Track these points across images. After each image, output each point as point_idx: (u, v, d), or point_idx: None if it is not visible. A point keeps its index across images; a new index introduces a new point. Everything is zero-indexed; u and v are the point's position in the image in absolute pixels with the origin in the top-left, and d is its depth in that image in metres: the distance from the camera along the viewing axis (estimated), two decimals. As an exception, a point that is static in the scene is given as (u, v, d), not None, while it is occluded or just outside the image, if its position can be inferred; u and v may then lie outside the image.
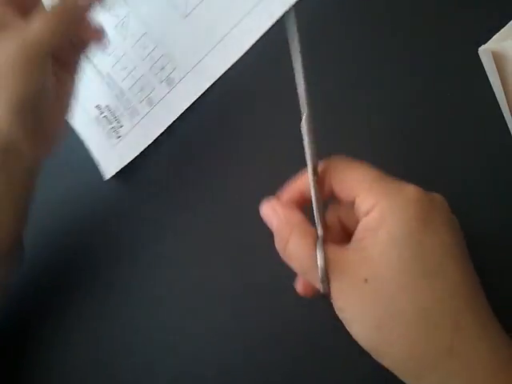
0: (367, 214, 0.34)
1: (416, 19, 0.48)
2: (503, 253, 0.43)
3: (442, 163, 0.46)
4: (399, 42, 0.49)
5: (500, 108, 0.43)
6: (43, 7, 0.45)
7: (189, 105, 0.54)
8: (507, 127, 0.43)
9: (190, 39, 0.55)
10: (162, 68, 0.56)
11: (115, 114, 0.57)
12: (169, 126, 0.54)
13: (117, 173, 0.56)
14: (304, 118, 0.37)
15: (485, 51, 0.41)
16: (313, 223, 0.36)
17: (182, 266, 0.52)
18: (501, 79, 0.41)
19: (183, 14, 0.56)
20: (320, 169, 0.37)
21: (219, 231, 0.51)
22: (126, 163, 0.56)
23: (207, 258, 0.51)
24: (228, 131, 0.53)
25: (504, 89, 0.41)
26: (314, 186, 0.36)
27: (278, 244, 0.37)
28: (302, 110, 0.37)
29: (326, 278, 0.34)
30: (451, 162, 0.46)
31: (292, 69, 0.41)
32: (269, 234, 0.38)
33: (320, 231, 0.36)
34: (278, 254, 0.37)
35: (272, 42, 0.52)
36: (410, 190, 0.34)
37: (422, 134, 0.47)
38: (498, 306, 0.34)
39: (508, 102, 0.41)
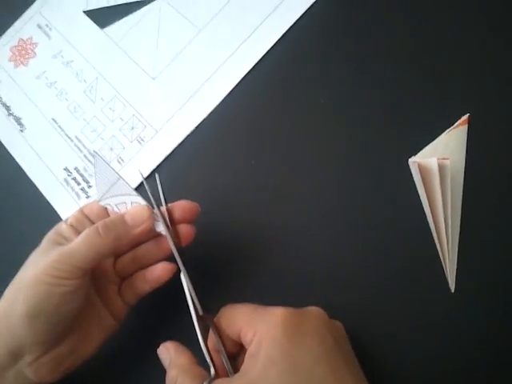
0: (250, 343, 0.38)
1: (353, 122, 0.51)
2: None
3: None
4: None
5: (425, 216, 0.46)
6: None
7: (159, 162, 0.54)
8: (431, 236, 0.45)
9: (158, 100, 0.57)
10: (132, 128, 0.57)
11: (84, 175, 0.57)
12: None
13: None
14: (182, 273, 0.43)
15: (413, 163, 0.44)
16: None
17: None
18: (425, 190, 0.44)
19: (152, 77, 0.58)
20: (216, 318, 0.42)
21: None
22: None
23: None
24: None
25: (428, 199, 0.44)
26: (200, 330, 0.41)
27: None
28: (179, 266, 0.43)
29: None
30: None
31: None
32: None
33: (212, 370, 0.40)
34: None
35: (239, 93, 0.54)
36: (279, 312, 0.38)
37: (345, 237, 0.48)
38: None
39: (432, 210, 0.44)
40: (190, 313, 0.41)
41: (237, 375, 0.37)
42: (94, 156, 0.45)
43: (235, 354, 0.41)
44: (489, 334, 0.43)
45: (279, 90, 0.54)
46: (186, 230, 0.45)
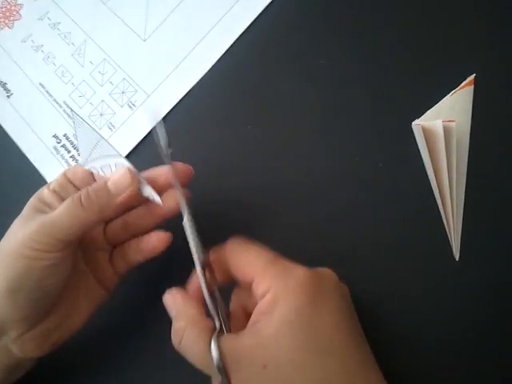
0: (263, 297, 0.35)
1: (352, 84, 0.49)
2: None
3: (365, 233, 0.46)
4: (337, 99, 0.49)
5: (429, 180, 0.44)
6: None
7: (152, 127, 0.52)
8: (435, 202, 0.44)
9: (150, 62, 0.54)
10: (123, 92, 0.54)
11: (74, 142, 0.55)
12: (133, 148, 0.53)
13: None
14: (185, 218, 0.38)
15: (416, 126, 0.42)
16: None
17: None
18: (430, 154, 0.42)
19: (142, 38, 0.55)
20: (217, 253, 0.39)
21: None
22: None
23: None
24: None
25: (432, 163, 0.42)
26: (204, 280, 0.37)
27: (174, 337, 0.37)
28: (182, 211, 0.39)
29: (224, 373, 0.34)
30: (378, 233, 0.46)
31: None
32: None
33: (217, 323, 0.37)
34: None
35: (233, 60, 0.52)
36: (300, 274, 0.36)
37: (344, 202, 0.47)
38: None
39: (436, 175, 0.42)
40: (193, 264, 0.38)
41: (248, 332, 0.35)
42: (72, 117, 0.43)
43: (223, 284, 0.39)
44: (492, 302, 0.42)
45: (278, 51, 0.51)
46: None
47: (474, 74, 0.45)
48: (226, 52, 0.53)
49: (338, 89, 0.49)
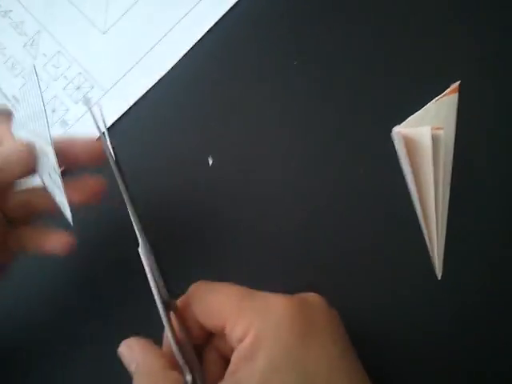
0: (241, 341, 0.30)
1: (328, 86, 0.46)
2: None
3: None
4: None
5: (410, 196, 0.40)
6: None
7: (108, 125, 0.48)
8: (417, 218, 0.40)
9: (109, 57, 0.50)
10: (78, 87, 0.50)
11: (22, 140, 0.50)
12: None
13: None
14: (141, 244, 0.32)
15: (397, 134, 0.37)
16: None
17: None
18: (412, 164, 0.37)
19: (102, 30, 0.51)
20: (183, 300, 0.33)
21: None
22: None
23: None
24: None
25: (414, 175, 0.37)
26: (168, 323, 0.31)
27: None
28: (137, 233, 0.32)
29: None
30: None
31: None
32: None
33: (188, 377, 0.31)
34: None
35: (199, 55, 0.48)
36: (283, 305, 0.30)
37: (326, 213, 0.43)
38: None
39: (418, 189, 0.38)
40: (154, 300, 0.32)
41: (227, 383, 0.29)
42: (30, 73, 0.36)
43: (201, 343, 0.34)
44: (475, 321, 0.39)
45: (247, 50, 0.48)
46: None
47: (459, 81, 0.42)
48: (191, 49, 0.49)
49: (313, 91, 0.45)
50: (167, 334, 0.31)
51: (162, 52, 0.49)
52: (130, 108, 0.48)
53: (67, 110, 0.49)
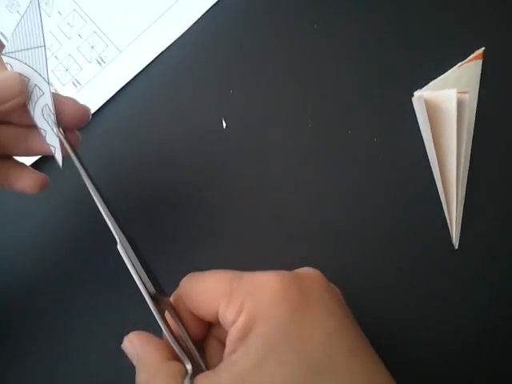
0: (234, 322, 0.28)
1: (352, 56, 0.44)
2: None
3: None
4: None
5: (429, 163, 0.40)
6: None
7: (121, 86, 0.47)
8: (435, 186, 0.39)
9: (125, 16, 0.49)
10: (92, 47, 0.49)
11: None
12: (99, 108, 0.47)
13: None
14: (118, 241, 0.31)
15: (419, 98, 0.37)
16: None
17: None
18: (432, 130, 0.36)
19: (118, -11, 0.50)
20: (175, 295, 0.32)
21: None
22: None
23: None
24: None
25: (435, 141, 0.36)
26: (158, 314, 0.30)
27: None
28: (113, 231, 0.31)
29: None
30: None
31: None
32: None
33: (188, 366, 0.30)
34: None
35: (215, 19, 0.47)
36: (276, 280, 0.29)
37: (344, 183, 0.42)
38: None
39: (438, 157, 0.37)
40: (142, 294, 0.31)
41: (224, 366, 0.28)
42: (31, 3, 0.35)
43: (201, 337, 0.33)
44: (490, 294, 0.38)
45: (267, 11, 0.46)
46: (71, 138, 0.36)
47: (484, 48, 0.41)
48: (209, 9, 0.47)
49: (332, 54, 0.44)
50: (161, 326, 0.30)
51: (178, 12, 0.48)
52: (145, 68, 0.47)
53: (81, 69, 0.48)
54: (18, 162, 0.39)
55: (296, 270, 0.31)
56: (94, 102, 0.47)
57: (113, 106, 0.47)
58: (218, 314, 0.30)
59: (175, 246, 0.42)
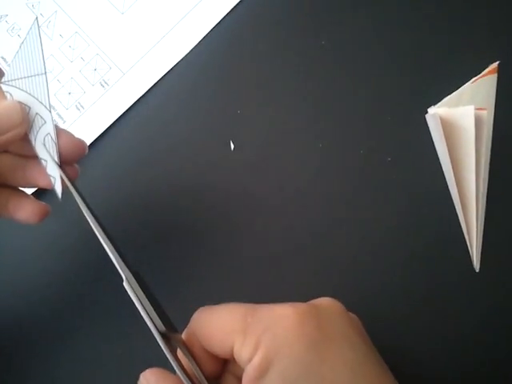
0: (250, 360, 0.27)
1: (363, 73, 0.43)
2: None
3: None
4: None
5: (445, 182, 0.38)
6: None
7: (125, 109, 0.46)
8: (453, 207, 0.38)
9: (127, 38, 0.48)
10: (95, 69, 0.48)
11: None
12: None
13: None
14: (124, 278, 0.30)
15: (433, 115, 0.35)
16: None
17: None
18: (449, 148, 0.35)
19: (120, 11, 0.49)
20: (187, 332, 0.31)
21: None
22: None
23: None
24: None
25: (452, 159, 0.35)
26: (171, 355, 0.29)
27: None
28: (119, 269, 0.30)
29: None
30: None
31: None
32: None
33: None
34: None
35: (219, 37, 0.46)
36: (291, 314, 0.28)
37: (358, 207, 0.41)
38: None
39: (456, 176, 0.36)
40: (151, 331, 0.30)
41: None
42: (31, 27, 0.34)
43: (216, 374, 0.31)
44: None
45: (272, 31, 0.45)
46: (70, 172, 0.34)
47: (498, 61, 0.39)
48: (210, 31, 0.47)
49: (341, 72, 0.43)
50: (173, 365, 0.29)
51: (180, 34, 0.47)
52: (149, 90, 0.46)
53: (83, 92, 0.48)
54: (18, 190, 0.37)
55: (313, 301, 0.29)
56: (97, 125, 0.46)
57: (116, 130, 0.46)
58: (232, 351, 0.28)
59: (183, 278, 0.41)
